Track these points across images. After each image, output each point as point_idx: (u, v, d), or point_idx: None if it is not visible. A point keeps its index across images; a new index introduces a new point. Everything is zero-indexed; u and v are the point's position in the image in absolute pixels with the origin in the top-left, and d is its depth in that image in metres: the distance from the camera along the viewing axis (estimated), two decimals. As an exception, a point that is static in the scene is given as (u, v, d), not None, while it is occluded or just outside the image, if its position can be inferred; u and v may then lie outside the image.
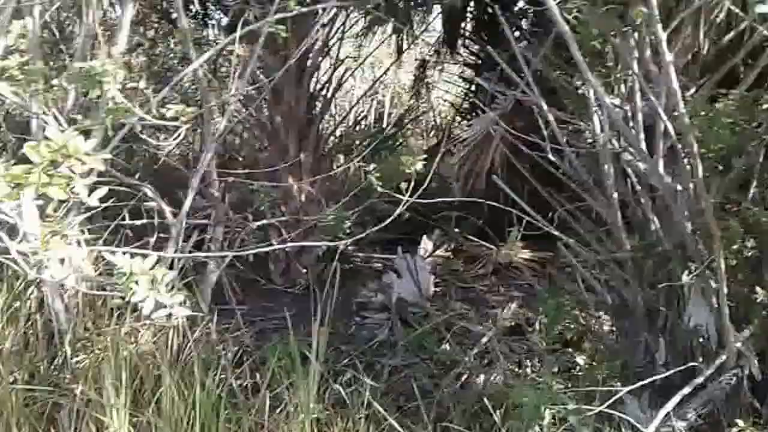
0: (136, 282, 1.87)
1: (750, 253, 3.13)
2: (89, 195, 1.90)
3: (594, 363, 4.67)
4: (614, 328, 4.09)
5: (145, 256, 1.94)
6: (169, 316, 1.92)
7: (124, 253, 1.99)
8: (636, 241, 3.52)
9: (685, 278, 3.04)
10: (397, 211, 3.27)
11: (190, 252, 4.58)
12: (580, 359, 4.83)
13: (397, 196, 3.62)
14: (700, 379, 3.09)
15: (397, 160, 8.18)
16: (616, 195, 3.54)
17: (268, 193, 5.51)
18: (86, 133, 2.22)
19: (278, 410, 3.62)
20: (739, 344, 3.04)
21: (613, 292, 3.78)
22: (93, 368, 3.67)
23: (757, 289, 2.94)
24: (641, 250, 3.43)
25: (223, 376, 3.78)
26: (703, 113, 3.21)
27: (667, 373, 3.10)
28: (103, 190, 1.99)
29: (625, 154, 3.44)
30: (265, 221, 5.59)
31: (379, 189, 4.51)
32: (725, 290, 2.91)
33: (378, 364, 5.03)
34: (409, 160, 3.76)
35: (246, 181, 5.21)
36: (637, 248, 3.43)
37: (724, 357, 3.04)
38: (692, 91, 3.53)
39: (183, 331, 4.07)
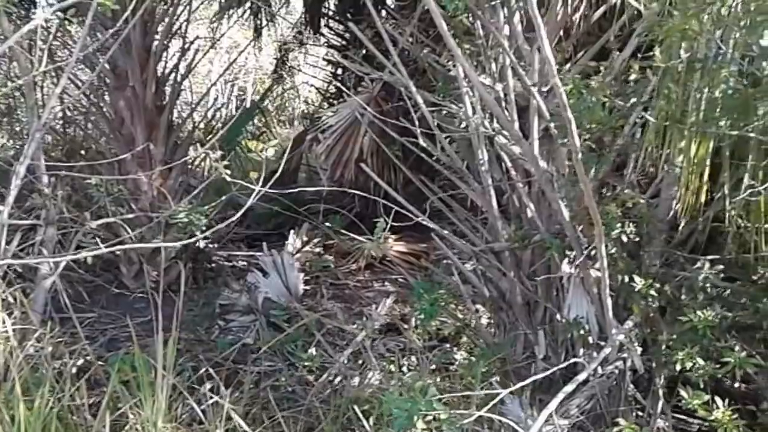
0: None
1: (627, 240, 2.98)
2: None
3: (472, 358, 4.50)
4: (492, 322, 3.87)
5: None
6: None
7: None
8: (513, 230, 3.30)
9: (564, 268, 2.84)
10: (248, 204, 2.83)
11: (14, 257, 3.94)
12: (459, 355, 4.64)
13: (251, 187, 3.18)
14: (582, 376, 2.91)
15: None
16: (490, 181, 3.30)
17: (111, 188, 4.85)
18: None
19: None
20: (621, 336, 2.88)
21: (491, 284, 3.56)
22: None
23: (635, 278, 2.78)
24: (518, 240, 3.21)
25: (61, 394, 3.26)
26: (575, 91, 3.02)
27: (548, 372, 2.88)
28: None
29: (499, 137, 3.19)
30: (107, 219, 4.93)
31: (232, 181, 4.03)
32: (607, 280, 2.73)
33: (243, 371, 4.60)
34: (261, 146, 3.29)
35: (81, 176, 4.55)
36: (513, 238, 3.21)
37: (607, 350, 2.87)
38: (567, 67, 3.35)
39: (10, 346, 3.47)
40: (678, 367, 2.66)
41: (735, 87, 2.27)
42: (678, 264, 3.03)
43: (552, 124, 2.89)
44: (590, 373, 2.87)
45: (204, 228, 5.45)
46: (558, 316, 3.22)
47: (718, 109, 2.32)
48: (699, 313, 2.69)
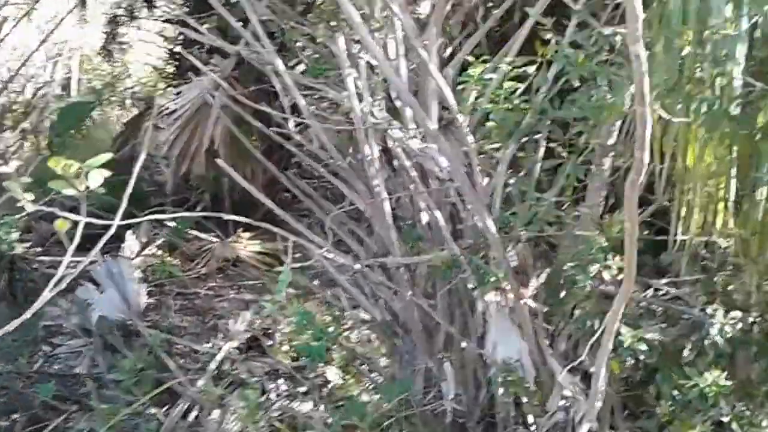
0: None
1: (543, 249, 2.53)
2: None
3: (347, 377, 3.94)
4: (384, 348, 3.31)
5: None
6: None
7: None
8: (409, 242, 2.75)
9: (488, 296, 2.31)
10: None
11: None
12: (333, 374, 4.07)
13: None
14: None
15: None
16: (382, 185, 2.73)
17: None
18: None
19: None
20: (567, 388, 2.33)
21: (378, 301, 3.00)
22: None
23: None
24: (417, 254, 2.67)
25: None
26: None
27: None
28: None
29: (394, 129, 2.62)
30: None
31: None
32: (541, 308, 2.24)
33: (75, 409, 3.81)
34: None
35: None
36: (413, 252, 2.66)
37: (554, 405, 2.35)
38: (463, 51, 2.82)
39: None
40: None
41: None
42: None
43: (461, 115, 2.35)
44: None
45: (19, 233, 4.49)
46: (463, 344, 2.71)
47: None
48: (708, 375, 2.16)
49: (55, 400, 3.78)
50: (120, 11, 7.49)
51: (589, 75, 2.10)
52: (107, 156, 1.51)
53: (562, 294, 2.42)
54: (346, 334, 3.24)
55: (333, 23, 2.82)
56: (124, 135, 6.62)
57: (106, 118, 8.99)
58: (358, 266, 2.86)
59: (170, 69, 7.27)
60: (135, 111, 8.73)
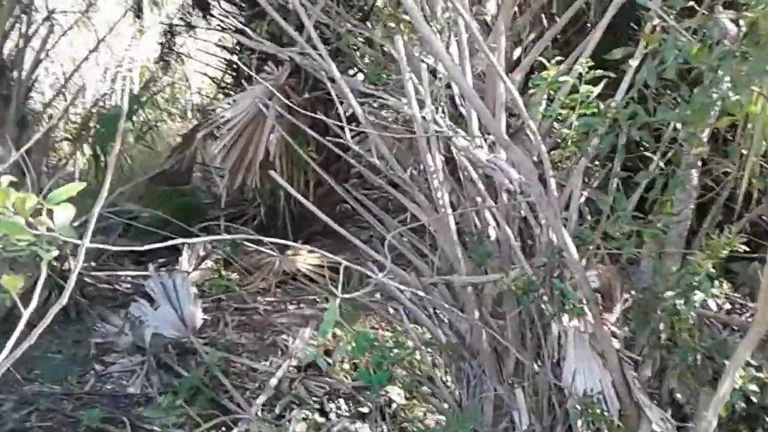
0: None
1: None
2: None
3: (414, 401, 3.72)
4: (449, 375, 3.07)
5: None
6: None
7: None
8: (475, 258, 2.51)
9: (564, 319, 2.06)
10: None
11: None
12: (396, 394, 3.87)
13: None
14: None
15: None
16: (446, 197, 2.50)
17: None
18: None
19: None
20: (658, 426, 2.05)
21: (446, 325, 2.77)
22: None
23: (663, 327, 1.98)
24: (485, 272, 2.43)
25: None
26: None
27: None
28: None
29: (458, 138, 2.39)
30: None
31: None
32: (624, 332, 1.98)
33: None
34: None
35: None
36: (478, 269, 2.42)
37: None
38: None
39: None
40: None
41: None
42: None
43: (531, 121, 2.10)
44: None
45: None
46: (536, 366, 2.46)
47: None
48: None
49: (106, 423, 3.65)
50: (176, 21, 7.49)
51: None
52: (77, 186, 1.22)
53: (651, 320, 2.14)
54: (409, 358, 3.01)
55: (392, 25, 2.62)
56: (181, 146, 6.59)
57: (167, 129, 9.07)
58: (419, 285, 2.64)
59: (228, 79, 7.23)
60: (194, 121, 8.77)
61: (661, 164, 2.08)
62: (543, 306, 2.21)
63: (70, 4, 6.41)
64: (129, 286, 5.40)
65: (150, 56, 10.26)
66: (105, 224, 5.76)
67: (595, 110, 2.14)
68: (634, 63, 2.11)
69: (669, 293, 1.96)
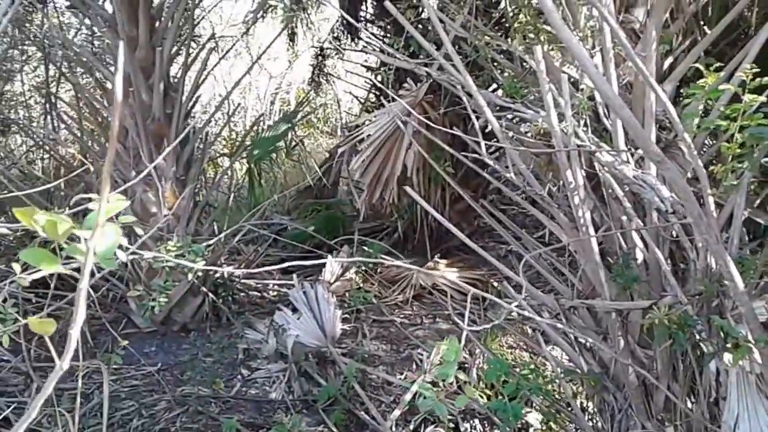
0: None
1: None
2: None
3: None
4: (590, 405, 2.90)
5: None
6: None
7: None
8: (620, 282, 2.34)
9: (726, 359, 1.85)
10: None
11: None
12: (534, 418, 3.71)
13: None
14: None
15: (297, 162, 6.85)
16: (588, 216, 2.36)
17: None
18: None
19: None
20: None
21: (586, 351, 2.61)
22: None
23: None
24: (631, 297, 2.26)
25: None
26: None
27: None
28: None
29: (603, 153, 2.24)
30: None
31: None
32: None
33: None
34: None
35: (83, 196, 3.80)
36: (624, 294, 2.25)
37: None
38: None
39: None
40: None
41: None
42: None
43: (687, 135, 1.93)
44: None
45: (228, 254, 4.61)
46: (689, 403, 2.24)
47: None
48: None
49: (248, 428, 3.76)
50: (326, 44, 7.80)
51: None
52: (117, 207, 1.04)
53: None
54: (547, 387, 2.85)
55: (531, 36, 2.52)
56: (328, 162, 6.82)
57: (316, 145, 9.45)
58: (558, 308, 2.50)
59: (372, 98, 7.41)
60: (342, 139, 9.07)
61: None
62: (701, 343, 2.00)
63: (230, 30, 6.84)
64: (275, 294, 5.63)
65: (303, 78, 10.80)
66: (257, 235, 6.07)
67: (761, 121, 1.93)
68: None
69: None
